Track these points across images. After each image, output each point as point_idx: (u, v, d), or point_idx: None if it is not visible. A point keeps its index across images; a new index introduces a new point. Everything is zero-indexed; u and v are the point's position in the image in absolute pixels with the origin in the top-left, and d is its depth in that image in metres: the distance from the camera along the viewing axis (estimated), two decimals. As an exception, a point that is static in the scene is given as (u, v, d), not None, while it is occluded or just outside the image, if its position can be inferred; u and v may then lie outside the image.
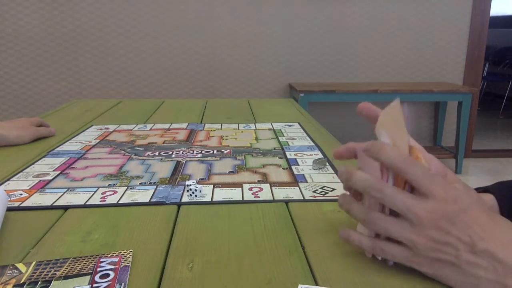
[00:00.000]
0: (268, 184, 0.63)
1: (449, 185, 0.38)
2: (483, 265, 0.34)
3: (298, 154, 0.78)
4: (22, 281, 0.38)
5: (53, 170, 0.69)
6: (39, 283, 0.37)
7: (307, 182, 0.64)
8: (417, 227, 0.36)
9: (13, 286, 0.37)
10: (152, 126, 1.02)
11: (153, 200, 0.57)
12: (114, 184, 0.63)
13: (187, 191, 0.58)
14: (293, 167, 0.71)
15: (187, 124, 1.05)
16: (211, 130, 0.98)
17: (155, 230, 0.49)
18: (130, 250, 0.43)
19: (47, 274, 0.39)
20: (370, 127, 0.43)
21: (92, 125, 1.04)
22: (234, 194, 0.59)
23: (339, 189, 0.61)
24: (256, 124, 1.05)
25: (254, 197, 0.58)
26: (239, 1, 2.81)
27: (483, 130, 4.11)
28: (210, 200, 0.57)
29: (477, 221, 0.35)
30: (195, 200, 0.57)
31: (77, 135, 0.94)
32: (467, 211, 0.36)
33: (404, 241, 0.37)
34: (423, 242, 0.36)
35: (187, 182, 0.59)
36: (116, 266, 0.40)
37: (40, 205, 0.55)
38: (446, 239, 0.35)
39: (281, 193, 0.60)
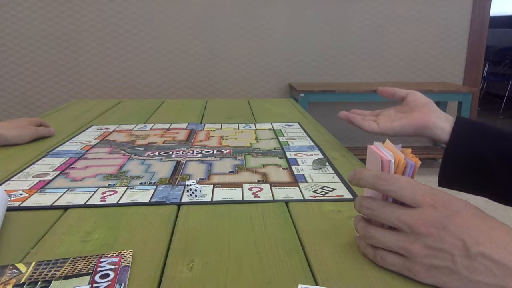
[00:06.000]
0: (268, 184, 0.63)
1: (436, 191, 0.38)
2: (480, 269, 0.33)
3: (298, 154, 0.78)
4: (22, 281, 0.38)
5: (53, 170, 0.69)
6: (39, 283, 0.37)
7: (307, 182, 0.64)
8: (410, 236, 0.37)
9: (13, 286, 0.37)
10: (152, 126, 1.02)
11: (153, 200, 0.57)
12: (114, 184, 0.63)
13: (187, 191, 0.58)
14: (293, 167, 0.71)
15: (187, 124, 1.05)
16: (211, 130, 0.98)
17: (155, 230, 0.49)
18: (130, 250, 0.43)
19: (47, 274, 0.39)
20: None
21: (92, 125, 1.04)
22: (234, 194, 0.59)
23: (339, 189, 0.61)
24: (256, 124, 1.05)
25: (254, 197, 0.58)
26: (239, 1, 2.81)
27: (483, 130, 4.10)
28: (210, 200, 0.57)
29: (469, 224, 0.35)
30: (195, 200, 0.57)
31: (77, 135, 0.94)
32: (458, 215, 0.36)
33: (399, 251, 0.38)
34: (418, 250, 0.36)
35: (187, 182, 0.59)
36: (116, 266, 0.40)
37: (40, 205, 0.55)
38: (440, 245, 0.35)
39: (281, 193, 0.60)
